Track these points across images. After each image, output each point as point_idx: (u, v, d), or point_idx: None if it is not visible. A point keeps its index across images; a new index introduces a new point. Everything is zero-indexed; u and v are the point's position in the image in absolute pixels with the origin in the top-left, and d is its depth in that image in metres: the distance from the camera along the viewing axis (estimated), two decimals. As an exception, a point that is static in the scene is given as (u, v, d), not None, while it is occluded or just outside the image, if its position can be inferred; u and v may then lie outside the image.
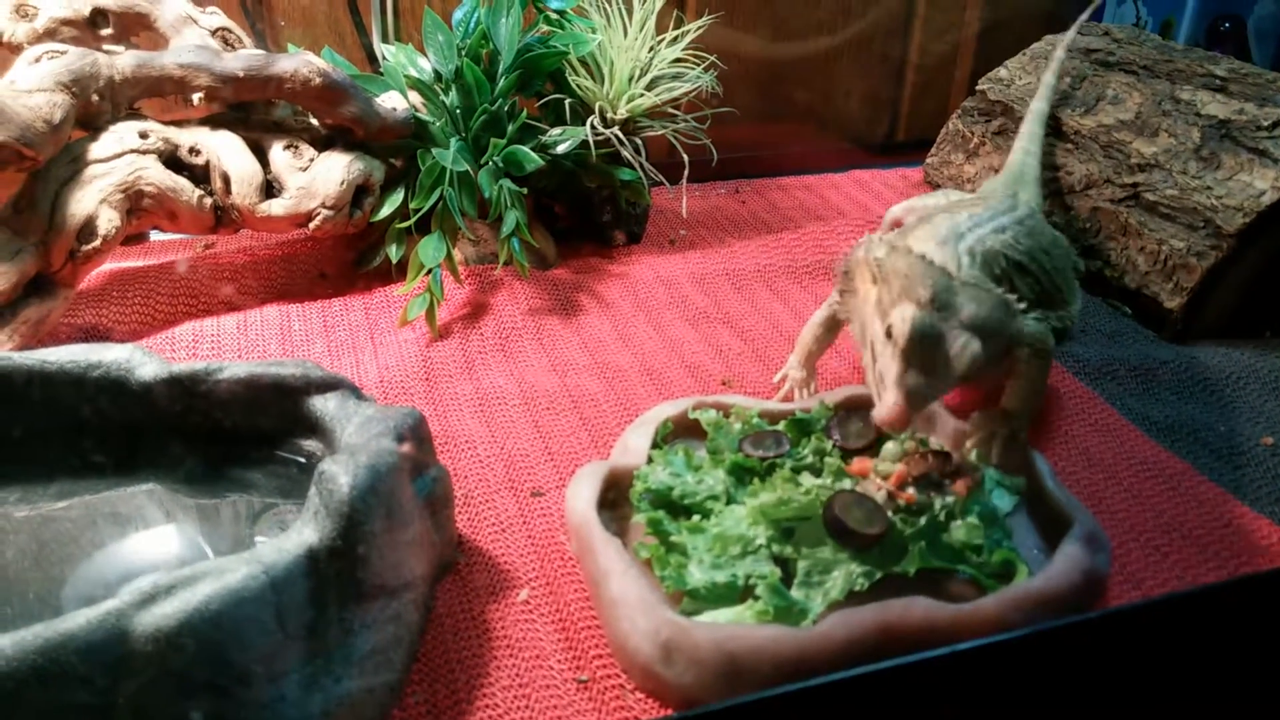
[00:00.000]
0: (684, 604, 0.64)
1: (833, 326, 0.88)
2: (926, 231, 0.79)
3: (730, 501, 0.70)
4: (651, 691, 0.62)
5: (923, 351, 0.65)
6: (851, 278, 0.74)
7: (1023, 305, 0.73)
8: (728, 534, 0.66)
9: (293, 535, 0.57)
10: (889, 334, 0.66)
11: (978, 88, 1.40)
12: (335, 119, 1.03)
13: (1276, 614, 0.63)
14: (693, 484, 0.72)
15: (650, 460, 0.75)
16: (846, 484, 0.69)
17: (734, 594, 0.64)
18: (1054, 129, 1.23)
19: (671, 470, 0.73)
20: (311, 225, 1.02)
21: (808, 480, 0.69)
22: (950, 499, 0.68)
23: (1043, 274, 0.85)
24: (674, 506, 0.71)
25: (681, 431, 0.81)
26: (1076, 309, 0.91)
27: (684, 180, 1.17)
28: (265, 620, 0.53)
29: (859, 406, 0.79)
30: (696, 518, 0.69)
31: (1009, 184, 1.06)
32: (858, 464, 0.72)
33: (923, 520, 0.66)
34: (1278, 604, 0.64)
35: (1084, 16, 1.30)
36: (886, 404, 0.65)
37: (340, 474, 0.58)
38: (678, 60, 1.17)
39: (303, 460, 0.73)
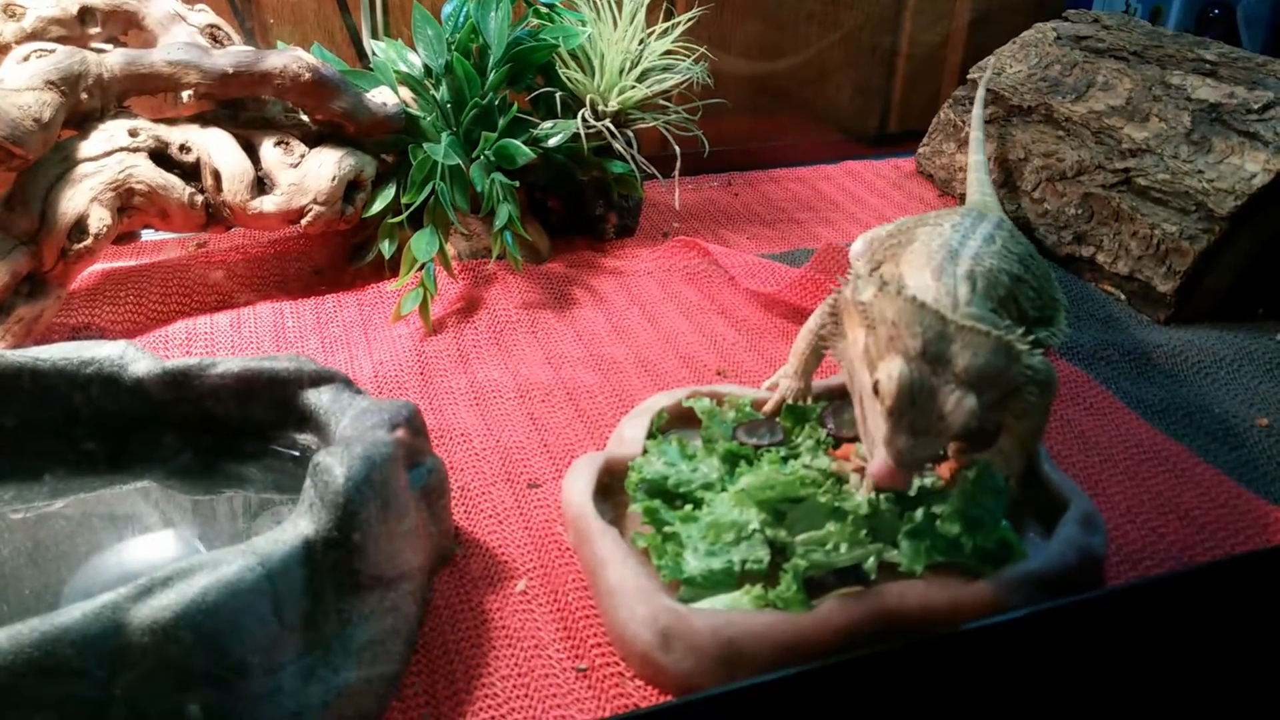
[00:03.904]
0: (681, 591, 0.64)
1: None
2: (919, 256, 0.69)
3: (724, 489, 0.70)
4: (650, 678, 0.62)
5: (912, 411, 0.58)
6: (839, 320, 0.66)
7: (1028, 342, 0.63)
8: (720, 520, 0.66)
9: (288, 527, 0.57)
10: (876, 390, 0.59)
11: (968, 77, 1.41)
12: (326, 114, 1.03)
13: (1272, 593, 0.63)
14: (687, 472, 0.72)
15: (645, 451, 0.75)
16: (825, 462, 0.69)
17: (730, 579, 0.64)
18: (1046, 116, 1.23)
19: (666, 459, 0.73)
20: (303, 222, 1.02)
21: (794, 464, 0.69)
22: (930, 480, 0.68)
23: (1035, 281, 0.77)
24: (669, 495, 0.71)
25: (677, 421, 0.81)
26: (1064, 319, 0.81)
27: (676, 173, 1.17)
28: (262, 612, 0.53)
29: None
30: (690, 506, 0.69)
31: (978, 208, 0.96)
32: (843, 448, 0.72)
33: (919, 514, 0.66)
34: (1273, 583, 0.64)
35: (985, 77, 1.32)
36: (875, 467, 0.59)
37: (335, 465, 0.58)
38: (668, 52, 1.17)
39: (298, 454, 0.72)
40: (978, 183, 1.13)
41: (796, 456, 0.73)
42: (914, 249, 0.71)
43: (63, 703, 0.48)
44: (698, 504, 0.69)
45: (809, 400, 0.80)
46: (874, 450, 0.59)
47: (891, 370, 0.58)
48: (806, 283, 1.04)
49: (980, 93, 1.28)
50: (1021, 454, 0.72)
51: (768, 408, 0.80)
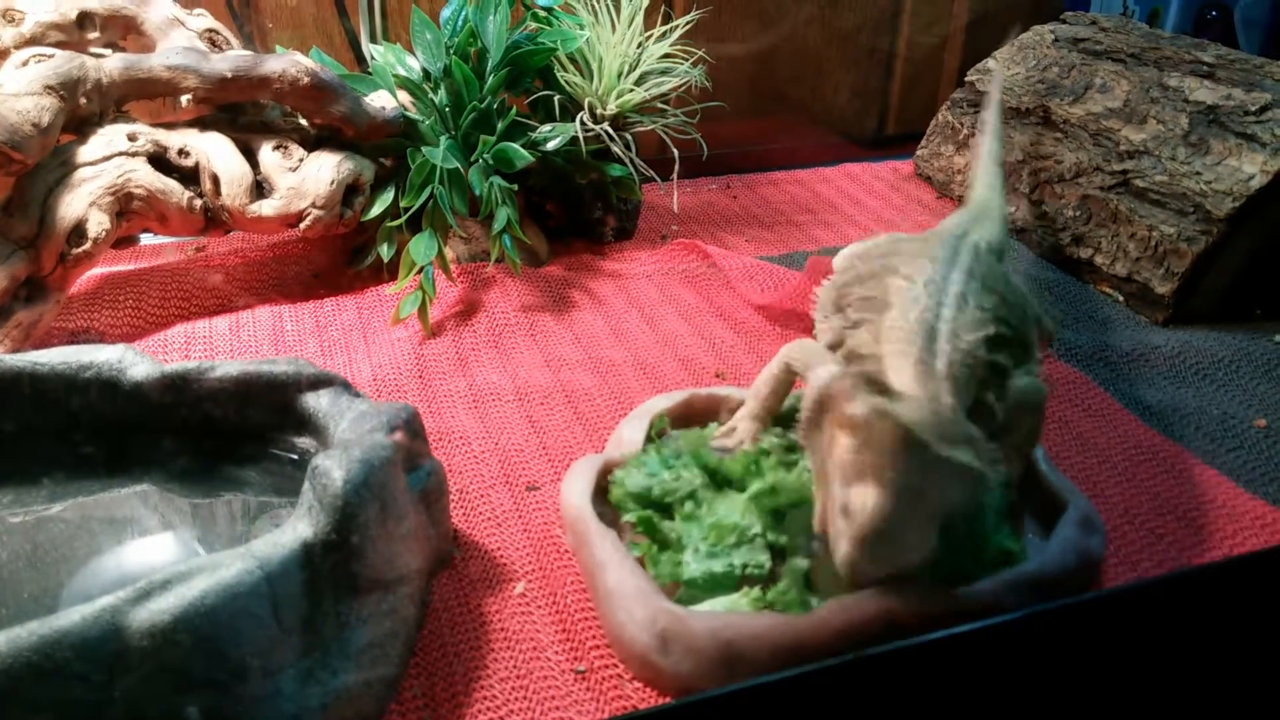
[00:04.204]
0: (680, 593, 0.64)
1: (788, 379, 0.75)
2: (898, 340, 0.65)
3: (710, 494, 0.70)
4: (649, 680, 0.62)
5: (881, 552, 0.58)
6: (817, 417, 0.61)
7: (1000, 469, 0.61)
8: (723, 523, 0.66)
9: (287, 530, 0.57)
10: (845, 511, 0.58)
11: (966, 79, 1.41)
12: (324, 118, 1.03)
13: (1270, 594, 0.63)
14: (670, 481, 0.71)
15: (644, 453, 0.75)
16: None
17: (730, 583, 0.64)
18: (1044, 119, 1.23)
19: (647, 471, 0.72)
20: (302, 225, 1.02)
21: (797, 469, 0.69)
22: None
23: (1011, 331, 0.71)
24: (659, 505, 0.71)
25: (676, 423, 0.80)
26: (1037, 364, 0.74)
27: (675, 175, 1.17)
28: (261, 615, 0.53)
29: None
30: (677, 519, 0.69)
31: (971, 220, 0.89)
32: None
33: None
34: (1271, 585, 0.64)
35: (997, 86, 1.30)
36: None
37: (334, 468, 0.58)
38: (666, 56, 1.17)
39: (296, 457, 0.72)
40: (985, 174, 1.04)
41: (785, 461, 0.72)
42: (890, 330, 0.67)
43: (61, 706, 0.48)
44: (685, 518, 0.69)
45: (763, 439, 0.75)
46: (836, 546, 0.58)
47: (868, 503, 0.56)
48: (802, 291, 1.04)
49: (998, 74, 1.23)
50: (1019, 457, 0.72)
51: (727, 458, 0.74)
